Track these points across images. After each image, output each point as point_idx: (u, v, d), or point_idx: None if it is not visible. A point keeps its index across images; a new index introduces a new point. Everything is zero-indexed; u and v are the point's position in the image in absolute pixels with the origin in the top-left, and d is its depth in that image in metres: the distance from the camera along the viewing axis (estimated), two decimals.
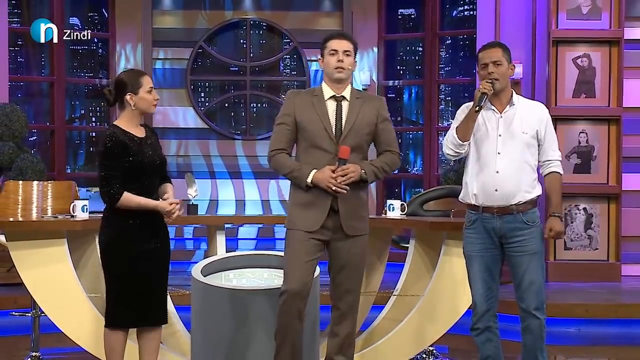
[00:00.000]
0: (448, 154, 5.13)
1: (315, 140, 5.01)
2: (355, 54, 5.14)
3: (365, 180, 5.05)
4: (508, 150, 5.01)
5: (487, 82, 4.98)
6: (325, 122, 5.01)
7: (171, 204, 5.06)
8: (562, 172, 5.15)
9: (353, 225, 5.06)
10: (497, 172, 5.00)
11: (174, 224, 5.19)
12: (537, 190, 5.07)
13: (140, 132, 5.11)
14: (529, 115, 5.08)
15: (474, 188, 5.06)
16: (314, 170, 4.96)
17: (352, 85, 5.18)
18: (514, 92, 5.13)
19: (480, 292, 5.07)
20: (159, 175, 5.18)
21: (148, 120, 5.27)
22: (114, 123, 5.10)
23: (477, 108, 4.95)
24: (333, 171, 4.93)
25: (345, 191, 4.95)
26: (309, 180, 4.96)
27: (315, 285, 5.32)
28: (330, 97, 5.07)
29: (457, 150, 5.07)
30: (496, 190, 4.99)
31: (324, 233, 5.02)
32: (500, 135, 5.03)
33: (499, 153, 5.01)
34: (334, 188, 4.93)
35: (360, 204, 5.11)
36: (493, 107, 5.07)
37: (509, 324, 5.19)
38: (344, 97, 5.08)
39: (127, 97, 5.05)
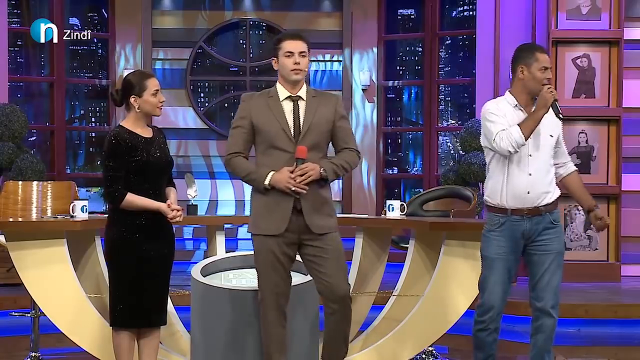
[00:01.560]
0: (509, 151, 4.98)
1: (273, 141, 4.96)
2: (309, 52, 5.10)
3: (326, 178, 4.97)
4: (538, 152, 5.05)
5: (551, 87, 5.01)
6: (282, 122, 4.97)
7: (172, 210, 5.07)
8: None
9: (319, 223, 4.98)
10: (530, 174, 5.02)
11: (177, 224, 5.20)
12: (558, 191, 5.15)
13: (147, 133, 5.11)
14: (550, 117, 5.10)
15: (504, 190, 5.05)
16: (272, 172, 4.92)
17: (307, 84, 5.15)
18: None
19: (499, 294, 5.08)
20: (166, 176, 5.18)
21: (148, 119, 5.25)
22: (120, 124, 5.11)
23: (561, 115, 5.03)
24: (292, 172, 4.89)
25: (304, 191, 4.90)
26: (266, 182, 4.92)
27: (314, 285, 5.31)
28: (286, 98, 5.03)
29: (517, 150, 4.99)
30: (528, 193, 5.02)
31: (291, 235, 4.96)
32: (530, 138, 5.03)
33: (530, 155, 5.03)
34: (293, 188, 4.88)
35: (324, 202, 5.02)
36: (522, 108, 5.08)
37: (510, 324, 5.20)
38: (299, 97, 5.04)
39: (132, 99, 5.05)
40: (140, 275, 5.02)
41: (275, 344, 5.03)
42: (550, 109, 5.00)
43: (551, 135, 5.09)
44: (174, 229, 5.25)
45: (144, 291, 5.04)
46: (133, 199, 4.98)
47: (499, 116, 5.04)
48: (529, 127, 4.97)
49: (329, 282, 4.96)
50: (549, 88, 4.99)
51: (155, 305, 5.13)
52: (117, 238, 5.03)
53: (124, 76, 5.20)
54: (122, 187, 4.96)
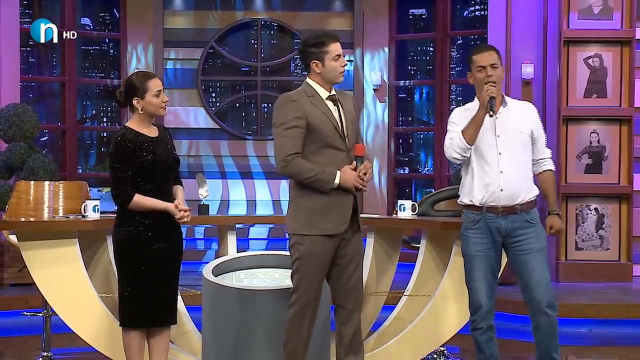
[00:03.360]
0: (455, 159, 5.12)
1: (329, 140, 4.95)
2: None
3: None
4: (508, 150, 5.09)
5: (491, 85, 5.02)
6: (333, 121, 4.97)
7: (180, 211, 5.07)
8: (554, 170, 5.31)
9: (359, 221, 5.09)
10: (502, 172, 5.06)
11: (185, 224, 5.19)
12: (536, 189, 5.18)
13: (152, 132, 5.11)
14: (522, 114, 5.18)
15: (476, 189, 5.09)
16: (339, 172, 4.91)
17: None
18: (503, 93, 5.21)
19: (484, 291, 5.11)
20: (173, 175, 5.18)
21: (159, 120, 5.25)
22: (125, 124, 5.11)
23: (492, 113, 5.02)
24: (354, 170, 4.92)
25: (366, 189, 4.99)
26: (336, 181, 4.90)
27: (325, 287, 5.31)
28: (327, 97, 5.03)
29: (464, 155, 5.09)
30: (502, 190, 5.05)
31: (343, 233, 4.99)
32: (498, 136, 5.10)
33: (500, 153, 5.06)
34: (360, 187, 4.93)
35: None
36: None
37: (522, 324, 5.19)
38: (335, 96, 5.07)
39: (134, 101, 5.05)
40: (149, 275, 5.02)
41: (302, 348, 5.04)
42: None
43: (521, 132, 5.11)
44: (182, 228, 5.25)
45: (153, 291, 5.05)
46: (141, 200, 4.98)
47: (457, 125, 5.13)
48: (470, 131, 5.04)
49: (349, 286, 5.06)
50: (487, 85, 5.02)
51: (164, 305, 5.13)
52: (125, 238, 5.04)
53: (127, 78, 5.20)
54: (129, 188, 4.97)
